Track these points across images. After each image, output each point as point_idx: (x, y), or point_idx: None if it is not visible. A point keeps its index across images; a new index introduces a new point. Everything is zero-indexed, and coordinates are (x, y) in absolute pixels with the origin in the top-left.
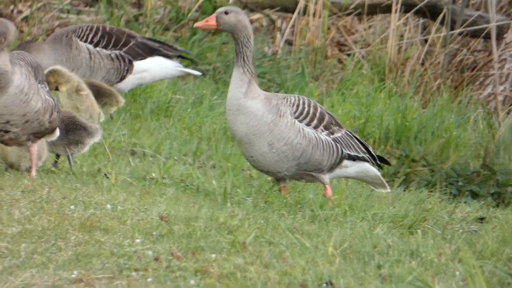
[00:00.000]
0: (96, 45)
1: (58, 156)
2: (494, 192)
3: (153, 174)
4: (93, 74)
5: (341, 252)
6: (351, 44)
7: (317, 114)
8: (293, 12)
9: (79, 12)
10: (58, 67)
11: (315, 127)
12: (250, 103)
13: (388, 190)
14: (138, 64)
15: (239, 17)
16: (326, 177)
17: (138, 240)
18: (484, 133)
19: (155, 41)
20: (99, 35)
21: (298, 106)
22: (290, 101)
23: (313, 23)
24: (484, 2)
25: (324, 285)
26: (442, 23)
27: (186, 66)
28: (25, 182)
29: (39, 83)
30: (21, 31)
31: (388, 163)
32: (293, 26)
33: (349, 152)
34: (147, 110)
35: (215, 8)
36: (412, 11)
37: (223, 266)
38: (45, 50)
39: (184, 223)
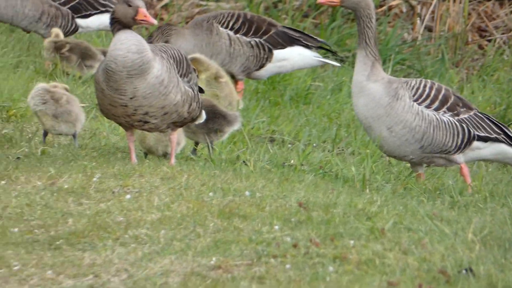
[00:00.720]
0: (236, 32)
1: (197, 143)
2: None
3: (292, 161)
4: (232, 60)
5: (481, 239)
6: (492, 30)
7: (440, 97)
8: None
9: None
10: (197, 55)
11: (437, 109)
12: (371, 85)
13: None
14: (277, 53)
15: None
16: (459, 157)
17: (276, 227)
18: None
19: (295, 30)
20: (240, 22)
21: (418, 89)
22: (411, 84)
23: (454, 8)
24: None
25: (464, 271)
26: None
27: (325, 56)
28: (164, 169)
29: (182, 76)
30: (161, 19)
31: None
32: (433, 11)
33: (478, 133)
34: (286, 97)
35: None
36: None
37: (362, 252)
38: (186, 35)
39: (323, 209)
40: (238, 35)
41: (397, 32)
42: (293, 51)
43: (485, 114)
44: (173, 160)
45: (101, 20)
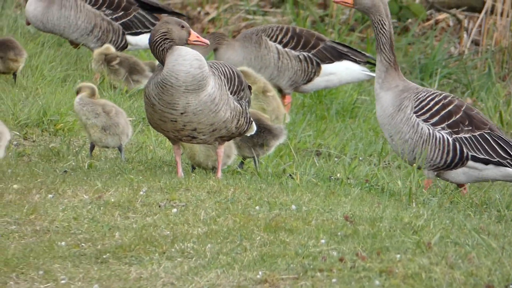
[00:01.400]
0: (285, 46)
1: (244, 157)
2: None
3: (338, 175)
4: (280, 74)
5: None
6: None
7: (443, 112)
8: (480, 11)
9: (265, 13)
10: (245, 68)
11: (434, 124)
12: (382, 94)
13: None
14: (325, 67)
15: (375, 1)
16: (429, 172)
17: (322, 241)
18: None
19: (343, 45)
20: (288, 36)
21: (422, 101)
22: (418, 96)
23: (501, 22)
24: None
25: (511, 287)
26: None
27: (372, 70)
28: (211, 183)
29: (233, 93)
30: (208, 32)
31: None
32: (479, 26)
33: (475, 154)
34: (333, 111)
35: (400, 9)
36: None
37: (408, 266)
38: (235, 47)
39: (369, 223)
40: (286, 49)
41: (444, 46)
42: (341, 66)
43: (496, 135)
44: (219, 174)
45: None
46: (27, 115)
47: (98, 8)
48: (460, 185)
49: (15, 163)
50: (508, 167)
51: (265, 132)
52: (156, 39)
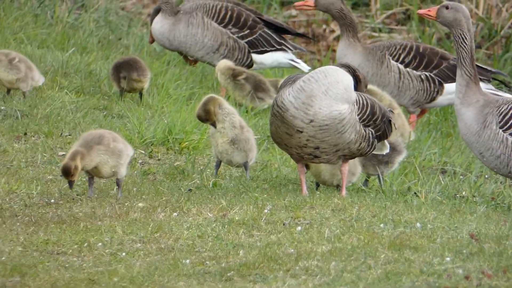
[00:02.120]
0: (407, 66)
1: (368, 175)
2: None
3: (464, 193)
4: (400, 93)
5: None
6: None
7: None
8: None
9: (390, 31)
10: (371, 86)
11: None
12: (463, 110)
13: None
14: (448, 87)
15: (456, 15)
16: None
17: (448, 259)
18: None
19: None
20: (411, 56)
21: (505, 115)
22: (501, 110)
23: None
24: None
25: None
26: None
27: (498, 87)
28: (335, 200)
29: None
30: (333, 50)
31: None
32: None
33: None
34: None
35: None
36: None
37: None
38: (357, 51)
39: (495, 241)
40: (408, 69)
41: None
42: None
43: None
44: (344, 192)
45: (275, 57)
46: (153, 134)
47: (225, 26)
48: None
49: (140, 181)
50: None
51: (389, 150)
52: None
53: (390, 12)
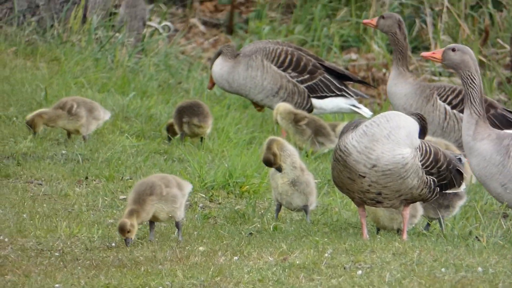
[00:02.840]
0: (454, 107)
1: (429, 219)
2: None
3: None
4: (444, 134)
5: None
6: None
7: None
8: None
9: (450, 74)
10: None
11: None
12: (478, 145)
13: None
14: None
15: (464, 57)
16: None
17: None
18: None
19: None
20: (459, 99)
21: None
22: None
23: None
24: None
25: None
26: None
27: None
28: (396, 244)
29: (423, 167)
30: None
31: None
32: None
33: None
34: None
35: None
36: None
37: None
38: (408, 83)
39: None
40: (455, 111)
41: None
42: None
43: None
44: (405, 236)
45: (335, 103)
46: (213, 178)
47: (284, 70)
48: None
49: (201, 225)
50: None
51: (450, 194)
52: None
53: None
